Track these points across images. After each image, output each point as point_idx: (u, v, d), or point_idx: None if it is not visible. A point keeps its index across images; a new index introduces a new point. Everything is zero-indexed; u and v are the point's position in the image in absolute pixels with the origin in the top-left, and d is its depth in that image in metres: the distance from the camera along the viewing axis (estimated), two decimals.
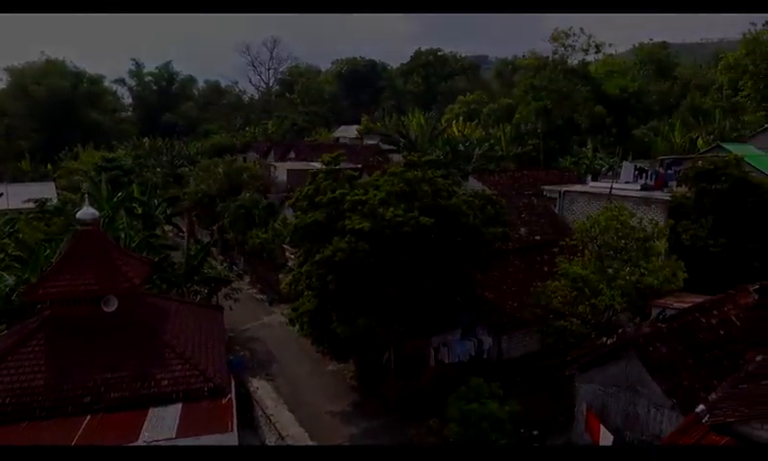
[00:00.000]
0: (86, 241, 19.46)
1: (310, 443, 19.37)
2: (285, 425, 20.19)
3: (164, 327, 19.61)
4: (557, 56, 55.89)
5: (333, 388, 23.12)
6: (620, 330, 17.97)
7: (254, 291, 35.67)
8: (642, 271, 18.35)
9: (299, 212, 19.45)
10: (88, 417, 16.34)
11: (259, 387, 23.17)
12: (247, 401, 21.58)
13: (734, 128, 50.26)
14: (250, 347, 27.37)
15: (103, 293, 18.65)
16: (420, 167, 19.23)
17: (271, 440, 19.85)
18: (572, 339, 19.37)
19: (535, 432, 18.20)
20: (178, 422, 16.03)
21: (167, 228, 40.28)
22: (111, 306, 18.78)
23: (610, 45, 59.56)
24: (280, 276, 32.89)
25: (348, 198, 17.70)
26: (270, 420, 20.37)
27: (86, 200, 20.36)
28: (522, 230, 28.10)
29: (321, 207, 18.42)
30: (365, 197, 17.48)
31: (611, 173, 32.64)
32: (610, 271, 19.05)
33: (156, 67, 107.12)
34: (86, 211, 19.79)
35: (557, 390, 20.25)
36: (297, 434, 19.84)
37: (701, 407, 15.15)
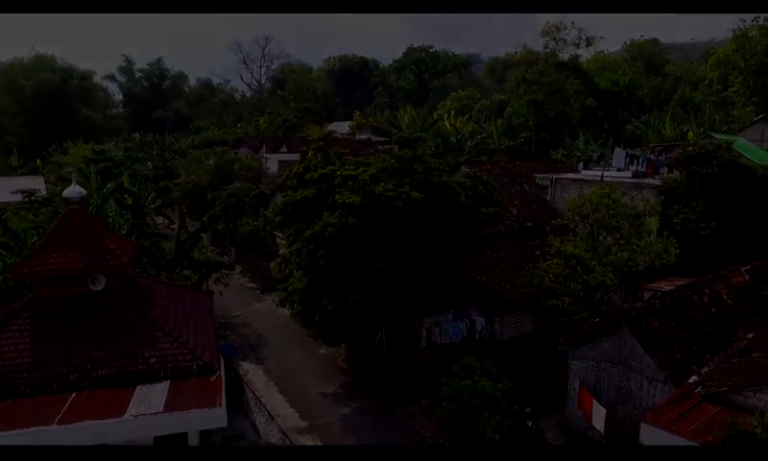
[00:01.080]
0: (73, 219, 19.13)
1: (300, 423, 19.17)
2: (275, 406, 19.96)
3: (153, 307, 19.31)
4: (548, 50, 56.00)
5: (324, 371, 22.92)
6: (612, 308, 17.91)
7: (246, 280, 35.38)
8: (634, 248, 18.30)
9: (289, 191, 19.23)
10: (74, 394, 16.05)
11: (249, 370, 22.92)
12: (237, 385, 21.31)
13: (724, 122, 50.58)
14: (241, 332, 27.11)
15: (90, 271, 18.34)
16: (411, 145, 19.09)
17: (260, 421, 19.61)
18: (564, 318, 19.28)
19: (528, 409, 18.09)
20: (165, 398, 15.77)
21: (158, 220, 39.94)
22: (99, 285, 18.49)
23: (601, 38, 59.70)
24: (271, 265, 32.65)
25: (339, 173, 17.53)
26: (260, 401, 20.12)
27: (74, 178, 20.02)
28: (514, 214, 28.06)
29: (311, 185, 18.23)
30: (355, 172, 17.32)
31: (602, 161, 32.61)
32: (601, 249, 18.98)
33: (148, 64, 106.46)
34: (73, 189, 19.49)
35: (550, 370, 20.18)
36: (287, 415, 19.62)
37: (693, 378, 15.15)
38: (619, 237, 19.35)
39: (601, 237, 19.67)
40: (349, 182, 17.40)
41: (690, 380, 14.87)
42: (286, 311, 27.68)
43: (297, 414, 19.71)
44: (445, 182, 18.41)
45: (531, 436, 17.53)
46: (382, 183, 17.00)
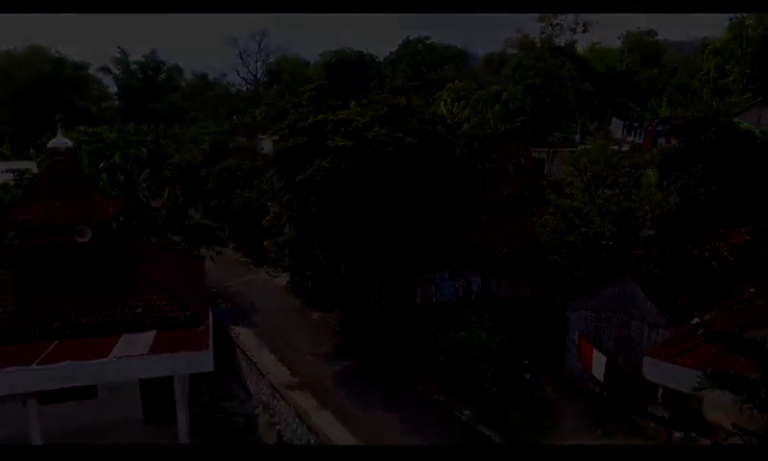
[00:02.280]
0: (59, 171, 18.62)
1: (291, 380, 18.69)
2: (266, 365, 19.46)
3: (140, 262, 18.81)
4: (544, 35, 55.70)
5: (317, 334, 22.44)
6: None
7: (239, 255, 34.85)
8: (633, 198, 17.90)
9: (281, 142, 18.77)
10: (56, 342, 15.53)
11: (241, 333, 22.43)
12: (228, 349, 20.83)
13: (721, 107, 50.26)
14: (233, 300, 26.61)
15: (75, 222, 17.81)
16: (405, 93, 18.66)
17: (251, 380, 19.13)
18: (563, 275, 18.86)
19: (525, 362, 17.63)
20: (151, 344, 15.26)
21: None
22: (85, 237, 17.96)
23: (597, 22, 59.37)
24: (265, 243, 32.18)
25: (332, 119, 17.07)
26: (251, 360, 19.63)
27: (59, 129, 19.50)
28: (511, 184, 27.66)
29: (303, 133, 17.76)
30: (349, 116, 16.87)
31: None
32: (599, 202, 18.58)
33: (143, 56, 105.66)
34: (59, 141, 18.99)
35: (548, 327, 19.76)
36: (278, 372, 19.14)
37: (696, 320, 14.74)
38: (618, 192, 18.95)
39: (600, 191, 19.26)
40: (342, 129, 16.95)
41: (693, 322, 14.46)
42: (279, 282, 27.31)
43: (287, 371, 19.24)
44: (441, 132, 17.99)
45: (529, 388, 17.09)
46: (376, 128, 16.56)
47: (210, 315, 17.87)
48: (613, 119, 32.10)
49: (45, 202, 17.78)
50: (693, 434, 14.77)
